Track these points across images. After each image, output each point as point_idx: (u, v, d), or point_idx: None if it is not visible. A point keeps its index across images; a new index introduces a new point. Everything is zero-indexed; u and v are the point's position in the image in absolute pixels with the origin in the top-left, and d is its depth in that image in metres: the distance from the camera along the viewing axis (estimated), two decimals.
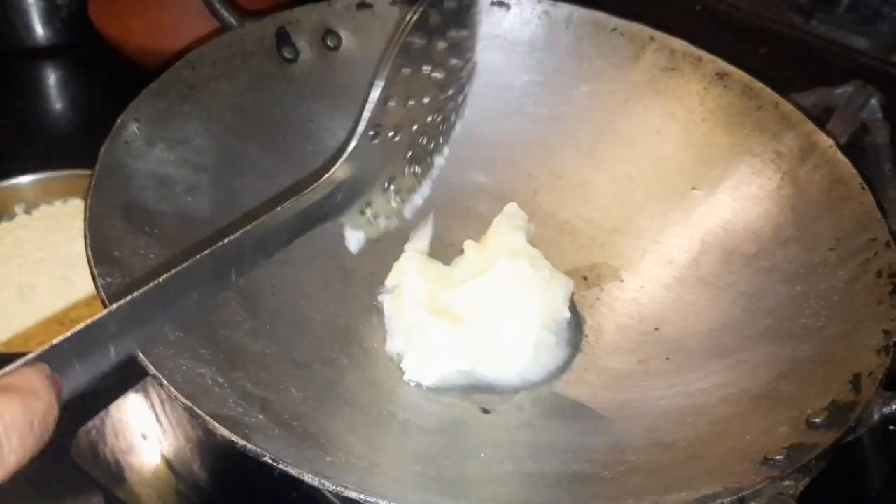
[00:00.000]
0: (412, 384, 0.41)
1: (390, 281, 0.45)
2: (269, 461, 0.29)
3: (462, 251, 0.45)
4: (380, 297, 0.45)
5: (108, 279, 0.34)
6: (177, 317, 0.32)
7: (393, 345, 0.43)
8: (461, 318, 0.42)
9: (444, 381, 0.41)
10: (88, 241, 0.35)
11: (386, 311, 0.44)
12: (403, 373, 0.41)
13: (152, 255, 0.38)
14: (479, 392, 0.41)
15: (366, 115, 0.41)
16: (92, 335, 0.28)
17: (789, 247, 0.43)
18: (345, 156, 0.40)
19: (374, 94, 0.41)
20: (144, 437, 0.44)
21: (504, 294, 0.42)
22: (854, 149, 0.46)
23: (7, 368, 0.26)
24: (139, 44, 0.64)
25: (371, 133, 0.41)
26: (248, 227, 0.35)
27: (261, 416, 0.33)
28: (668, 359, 0.42)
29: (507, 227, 0.45)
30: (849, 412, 0.33)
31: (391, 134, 0.42)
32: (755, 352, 0.40)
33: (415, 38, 0.41)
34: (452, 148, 0.51)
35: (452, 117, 0.47)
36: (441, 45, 0.43)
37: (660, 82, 0.50)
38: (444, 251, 0.47)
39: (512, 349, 0.41)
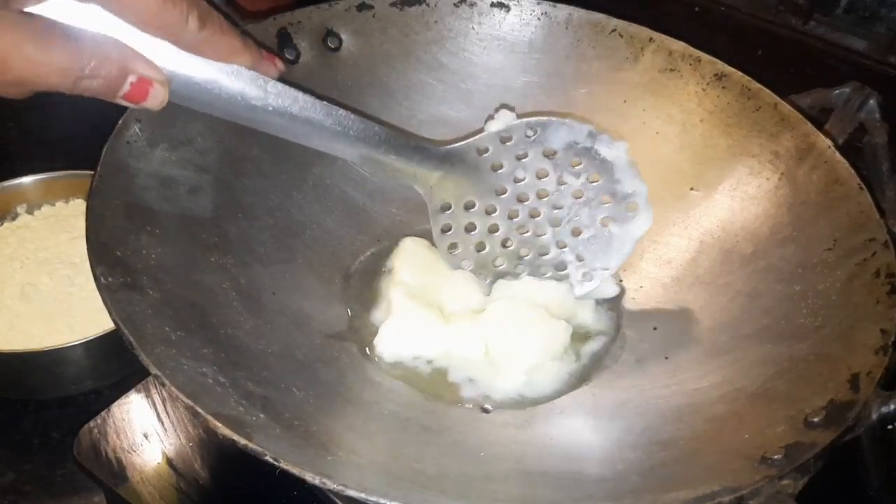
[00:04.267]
0: (377, 358, 0.42)
1: (390, 261, 0.46)
2: (271, 460, 0.30)
3: None
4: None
5: (110, 279, 0.35)
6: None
7: (377, 317, 0.44)
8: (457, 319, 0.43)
9: (409, 363, 0.42)
10: (90, 241, 0.36)
11: (382, 287, 0.45)
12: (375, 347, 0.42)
13: (154, 255, 0.38)
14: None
15: (490, 126, 0.43)
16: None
17: (787, 247, 0.43)
18: (458, 145, 0.41)
19: (503, 118, 0.44)
20: (146, 436, 0.44)
21: (509, 321, 0.43)
22: (852, 149, 0.47)
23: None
24: None
25: (481, 148, 0.42)
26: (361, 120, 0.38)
27: (262, 415, 0.33)
28: (666, 358, 0.43)
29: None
30: (847, 411, 0.33)
31: (498, 169, 0.42)
32: (753, 351, 0.40)
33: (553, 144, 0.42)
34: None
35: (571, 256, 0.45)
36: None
37: (658, 83, 0.50)
38: None
39: (505, 372, 0.42)
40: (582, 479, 0.35)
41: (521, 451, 0.39)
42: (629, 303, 0.47)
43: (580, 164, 0.42)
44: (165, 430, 0.44)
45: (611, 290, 0.46)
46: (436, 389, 0.41)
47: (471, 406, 0.41)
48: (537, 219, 0.44)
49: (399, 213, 0.50)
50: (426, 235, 0.47)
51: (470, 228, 0.44)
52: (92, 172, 0.39)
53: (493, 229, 0.45)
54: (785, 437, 0.33)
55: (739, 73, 0.49)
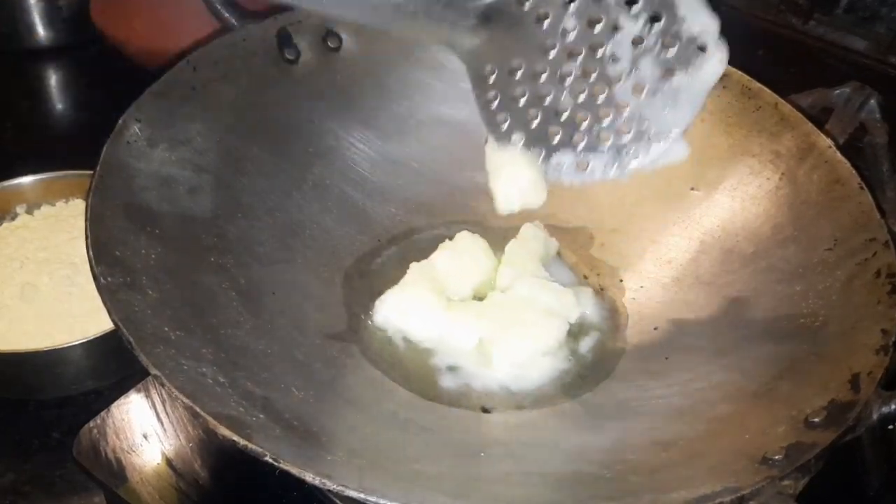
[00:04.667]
0: (370, 320, 0.43)
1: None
2: (271, 460, 0.30)
3: None
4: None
5: (110, 279, 0.35)
6: None
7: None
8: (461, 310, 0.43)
9: (396, 336, 0.42)
10: (90, 241, 0.36)
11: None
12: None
13: (153, 255, 0.38)
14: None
15: None
16: None
17: (788, 247, 0.43)
18: None
19: None
20: (146, 436, 0.44)
21: (505, 314, 0.43)
22: (852, 149, 0.47)
23: None
24: (141, 44, 0.64)
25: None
26: None
27: (262, 416, 0.33)
28: (666, 358, 0.43)
29: (524, 249, 0.46)
30: (847, 412, 0.33)
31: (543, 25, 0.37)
32: (753, 351, 0.40)
33: None
34: (451, 147, 0.51)
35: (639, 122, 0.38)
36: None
37: None
38: None
39: (493, 362, 0.42)
40: (582, 479, 0.35)
41: (521, 451, 0.39)
42: (629, 303, 0.47)
43: (637, 1, 0.36)
44: (165, 430, 0.44)
45: (680, 153, 0.39)
46: (411, 372, 0.42)
47: (470, 405, 0.41)
48: (592, 76, 0.38)
49: (399, 212, 0.50)
50: (428, 235, 0.48)
51: (517, 96, 0.39)
52: (91, 172, 0.39)
53: (543, 94, 0.39)
54: (786, 437, 0.33)
55: (740, 73, 0.49)
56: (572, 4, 0.37)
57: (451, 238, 0.47)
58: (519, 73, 0.39)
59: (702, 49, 0.37)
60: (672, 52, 0.37)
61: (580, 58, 0.38)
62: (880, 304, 0.37)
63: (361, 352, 0.43)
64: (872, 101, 0.49)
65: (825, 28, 0.62)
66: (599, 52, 0.38)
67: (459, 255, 0.45)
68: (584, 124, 0.40)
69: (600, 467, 0.36)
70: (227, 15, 0.48)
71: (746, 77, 0.48)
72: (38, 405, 0.49)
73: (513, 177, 0.41)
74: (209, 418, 0.30)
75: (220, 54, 0.46)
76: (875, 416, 0.34)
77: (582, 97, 0.39)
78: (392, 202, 0.50)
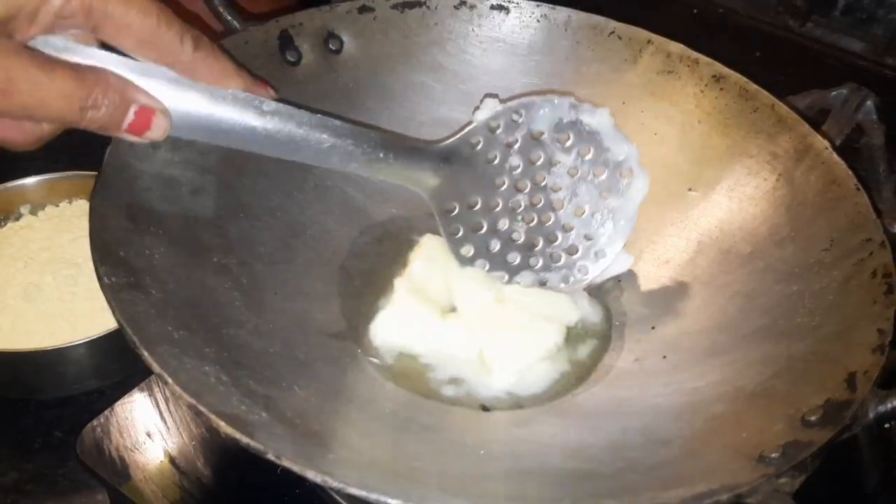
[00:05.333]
0: (371, 344, 0.43)
1: (409, 255, 0.47)
2: (273, 458, 0.30)
3: None
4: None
5: (113, 279, 0.35)
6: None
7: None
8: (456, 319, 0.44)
9: (395, 355, 0.43)
10: (93, 241, 0.36)
11: (395, 281, 0.46)
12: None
13: (157, 255, 0.38)
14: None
15: (477, 116, 0.43)
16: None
17: (785, 247, 0.43)
18: (448, 140, 0.42)
19: (488, 106, 0.45)
20: (149, 434, 0.44)
21: (502, 322, 0.44)
22: (849, 150, 0.47)
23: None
24: None
25: (473, 142, 0.43)
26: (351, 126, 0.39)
27: (264, 414, 0.33)
28: (664, 357, 0.43)
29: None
30: (844, 410, 0.33)
31: (492, 160, 0.43)
32: (751, 350, 0.40)
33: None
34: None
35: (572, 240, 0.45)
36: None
37: (657, 85, 0.51)
38: None
39: (496, 371, 0.42)
40: (581, 477, 0.36)
41: (521, 449, 0.39)
42: (627, 302, 0.47)
43: (569, 139, 0.43)
44: (168, 428, 0.45)
45: (624, 264, 0.46)
46: (414, 387, 0.42)
47: (471, 403, 0.42)
48: (539, 206, 0.45)
49: (399, 212, 0.50)
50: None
51: (477, 228, 0.45)
52: (95, 173, 0.39)
53: (498, 225, 0.45)
54: (783, 435, 0.33)
55: (737, 75, 0.49)
56: (515, 145, 0.43)
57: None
58: (477, 207, 0.44)
59: (628, 173, 0.44)
60: (603, 177, 0.45)
61: (527, 190, 0.45)
62: (876, 304, 0.37)
63: (362, 351, 0.43)
64: (869, 102, 0.49)
65: (822, 30, 0.62)
66: (542, 183, 0.45)
67: (433, 260, 0.46)
68: (539, 247, 0.46)
69: (599, 465, 0.36)
70: (228, 17, 0.49)
71: (744, 79, 0.49)
72: (40, 404, 0.50)
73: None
74: (212, 416, 0.31)
75: None
76: (871, 415, 0.34)
77: (533, 224, 0.45)
78: (393, 203, 0.50)
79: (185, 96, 0.34)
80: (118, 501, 0.43)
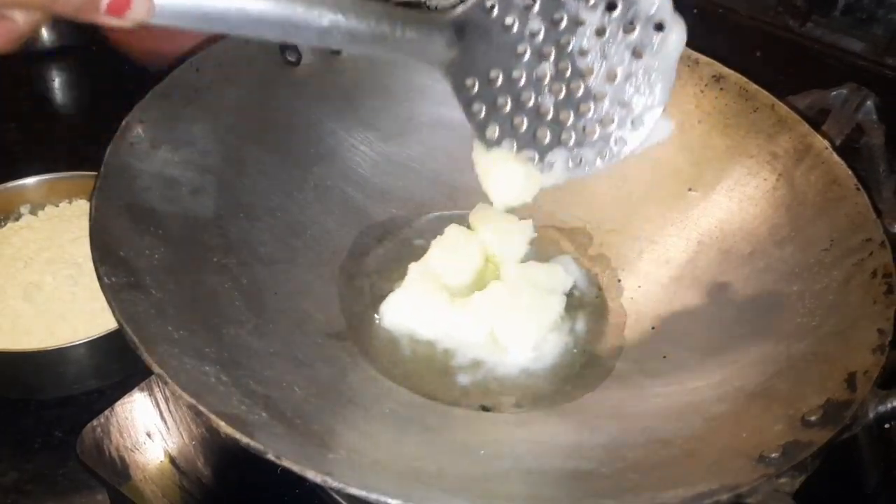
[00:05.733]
0: (379, 323, 0.43)
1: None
2: (272, 458, 0.30)
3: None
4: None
5: (113, 279, 0.35)
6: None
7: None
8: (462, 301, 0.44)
9: (407, 339, 0.43)
10: (93, 242, 0.36)
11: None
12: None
13: (157, 255, 0.38)
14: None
15: None
16: None
17: (785, 247, 0.43)
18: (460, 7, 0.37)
19: None
20: (149, 434, 0.44)
21: (507, 302, 0.44)
22: (849, 150, 0.47)
23: None
24: (144, 45, 0.64)
25: (488, 6, 0.38)
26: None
27: (264, 414, 0.33)
28: (664, 357, 0.43)
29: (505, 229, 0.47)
30: (844, 410, 0.33)
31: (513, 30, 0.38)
32: (751, 350, 0.40)
33: None
34: (451, 148, 0.51)
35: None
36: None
37: None
38: None
39: (514, 348, 0.43)
40: (581, 477, 0.36)
41: (521, 449, 0.39)
42: (627, 302, 0.47)
43: None
44: (168, 428, 0.45)
45: (665, 130, 0.42)
46: (416, 371, 0.42)
47: (470, 403, 0.42)
48: (566, 74, 0.40)
49: (399, 212, 0.50)
50: (429, 235, 0.48)
51: (500, 105, 0.40)
52: (95, 173, 0.39)
53: (525, 99, 0.40)
54: (783, 435, 0.33)
55: (737, 75, 0.49)
56: (534, 6, 0.38)
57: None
58: (499, 82, 0.40)
59: (661, 26, 0.39)
60: (634, 34, 0.39)
61: (552, 57, 0.40)
62: (876, 304, 0.37)
63: (362, 351, 0.43)
64: (869, 102, 0.49)
65: (822, 30, 0.62)
66: (568, 48, 0.39)
67: (452, 250, 0.46)
68: (570, 121, 0.41)
69: (599, 465, 0.36)
70: None
71: (744, 79, 0.49)
72: (40, 404, 0.50)
73: (504, 173, 0.42)
74: (212, 416, 0.31)
75: (223, 56, 0.46)
76: (871, 415, 0.34)
77: (561, 95, 0.40)
78: (393, 203, 0.50)
79: None
80: (118, 501, 0.43)
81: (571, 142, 0.41)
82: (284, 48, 0.48)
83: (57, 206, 0.57)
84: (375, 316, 0.44)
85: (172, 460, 0.43)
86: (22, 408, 0.50)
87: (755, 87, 0.48)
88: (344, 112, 0.50)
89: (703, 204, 0.48)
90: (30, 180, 0.56)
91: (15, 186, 0.56)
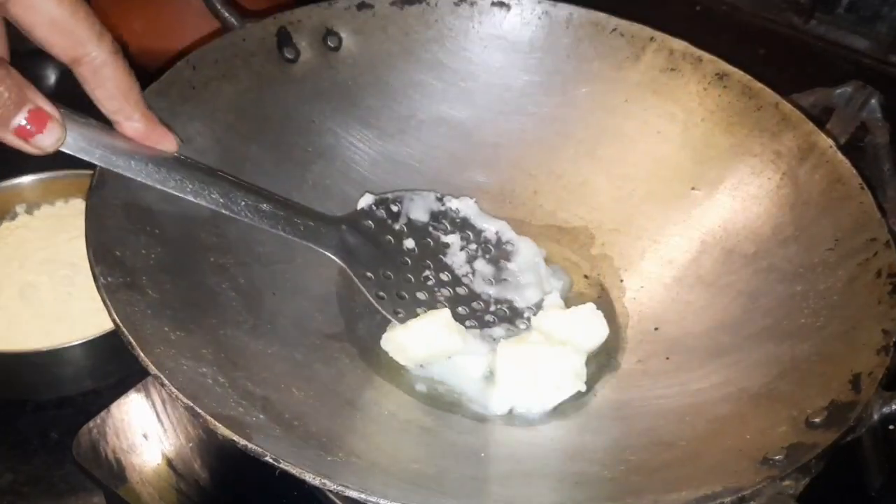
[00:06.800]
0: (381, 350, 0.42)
1: None
2: (270, 461, 0.30)
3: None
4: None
5: (110, 279, 0.35)
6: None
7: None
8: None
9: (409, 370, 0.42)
10: (90, 241, 0.36)
11: None
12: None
13: (153, 255, 0.38)
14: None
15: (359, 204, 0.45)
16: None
17: (788, 246, 0.43)
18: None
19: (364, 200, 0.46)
20: (146, 436, 0.44)
21: (524, 364, 0.41)
22: (853, 149, 0.47)
23: None
24: (141, 44, 0.64)
25: (365, 224, 0.44)
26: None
27: (262, 416, 0.33)
28: (667, 358, 0.43)
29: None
30: (848, 412, 0.33)
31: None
32: (754, 351, 0.40)
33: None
34: (452, 147, 0.51)
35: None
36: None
37: (659, 83, 0.50)
38: None
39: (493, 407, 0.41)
40: (583, 479, 0.35)
41: (522, 452, 0.38)
42: (630, 303, 0.47)
43: (446, 225, 0.46)
44: (165, 430, 0.44)
45: (601, 332, 0.42)
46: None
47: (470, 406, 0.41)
48: (449, 280, 0.45)
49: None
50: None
51: (400, 296, 0.43)
52: (91, 172, 0.38)
53: (418, 295, 0.44)
54: (786, 437, 0.33)
55: (741, 73, 0.48)
56: (404, 230, 0.45)
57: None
58: (392, 280, 0.44)
59: (510, 244, 0.47)
60: (492, 251, 0.47)
61: (432, 267, 0.45)
62: (881, 305, 0.37)
63: (361, 353, 0.43)
64: (874, 100, 0.49)
65: (826, 27, 0.61)
66: (444, 261, 0.46)
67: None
68: (469, 312, 0.44)
69: (601, 467, 0.36)
70: (226, 14, 0.48)
71: (747, 77, 0.48)
72: (36, 405, 0.49)
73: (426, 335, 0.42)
74: (209, 418, 0.30)
75: (220, 53, 0.46)
76: (876, 417, 0.34)
77: (450, 295, 0.45)
78: None
79: (81, 131, 0.34)
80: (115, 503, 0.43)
81: (490, 320, 0.45)
82: (282, 45, 0.48)
83: (53, 205, 0.56)
84: (375, 317, 0.44)
85: (169, 462, 0.43)
86: (18, 409, 0.49)
87: (759, 84, 0.48)
88: (342, 110, 0.50)
89: (706, 203, 0.48)
90: (25, 179, 0.56)
91: (10, 185, 0.56)
